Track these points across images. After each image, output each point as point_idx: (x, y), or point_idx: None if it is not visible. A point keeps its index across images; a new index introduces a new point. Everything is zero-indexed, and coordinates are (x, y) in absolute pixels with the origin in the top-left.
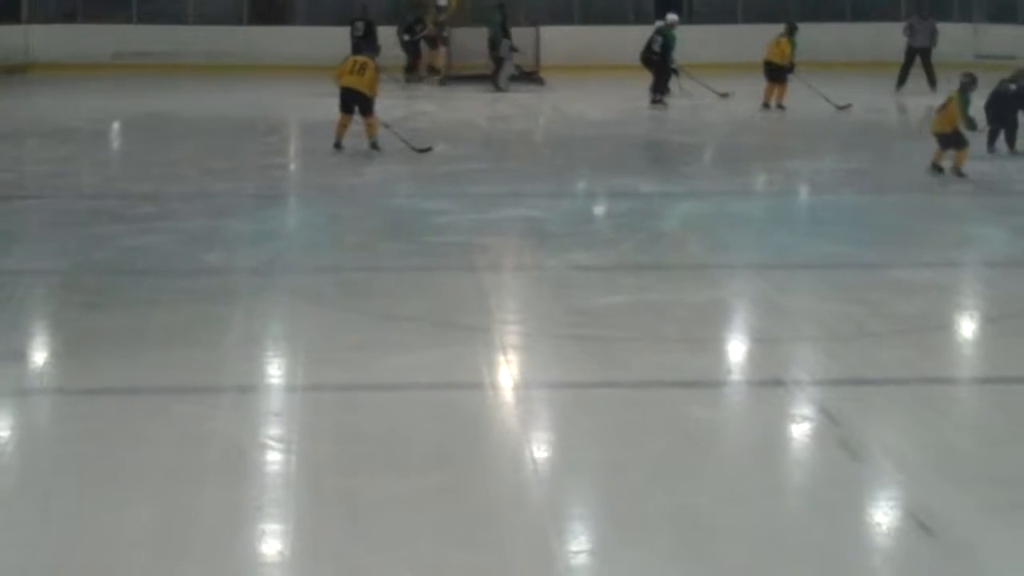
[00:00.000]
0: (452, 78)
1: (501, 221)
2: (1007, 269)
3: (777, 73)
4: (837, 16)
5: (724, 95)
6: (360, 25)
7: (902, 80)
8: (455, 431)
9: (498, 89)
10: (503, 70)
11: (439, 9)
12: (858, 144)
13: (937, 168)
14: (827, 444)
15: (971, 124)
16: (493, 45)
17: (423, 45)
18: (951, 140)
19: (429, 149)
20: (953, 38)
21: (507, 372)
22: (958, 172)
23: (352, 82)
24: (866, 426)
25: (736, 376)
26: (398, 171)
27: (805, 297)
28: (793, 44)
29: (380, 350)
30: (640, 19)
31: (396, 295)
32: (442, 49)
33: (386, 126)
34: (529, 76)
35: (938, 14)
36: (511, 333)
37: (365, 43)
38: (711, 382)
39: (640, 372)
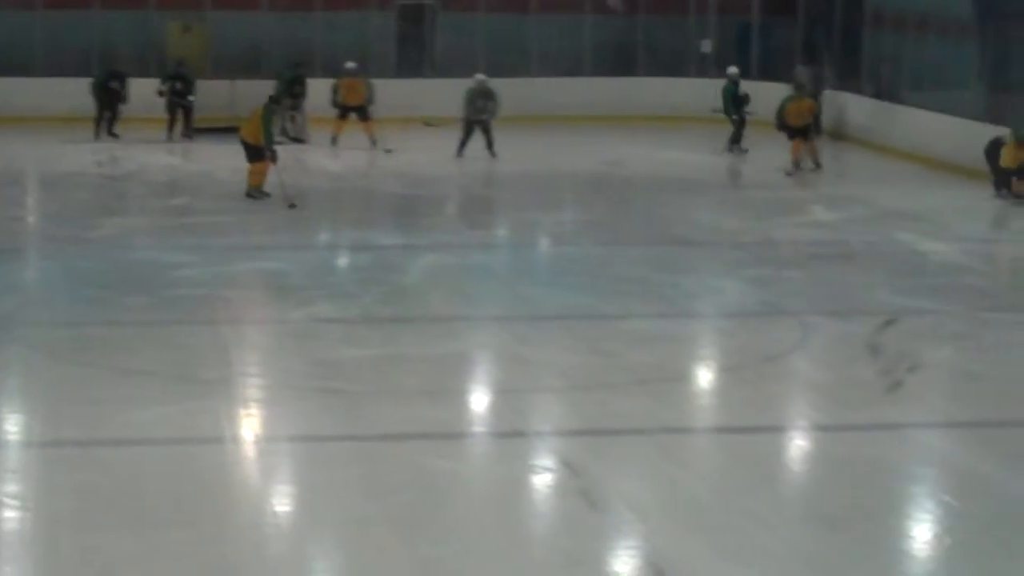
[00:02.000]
0: (200, 130)
1: (243, 274)
2: (742, 320)
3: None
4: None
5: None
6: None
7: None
8: (195, 487)
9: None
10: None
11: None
12: (596, 196)
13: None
14: (568, 495)
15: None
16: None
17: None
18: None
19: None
20: (692, 92)
21: (248, 426)
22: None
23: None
24: (606, 476)
25: (479, 428)
26: (137, 224)
27: (546, 348)
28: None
29: (118, 405)
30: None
31: (135, 349)
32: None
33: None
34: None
35: (683, 71)
36: (252, 387)
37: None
38: (454, 434)
39: (383, 425)
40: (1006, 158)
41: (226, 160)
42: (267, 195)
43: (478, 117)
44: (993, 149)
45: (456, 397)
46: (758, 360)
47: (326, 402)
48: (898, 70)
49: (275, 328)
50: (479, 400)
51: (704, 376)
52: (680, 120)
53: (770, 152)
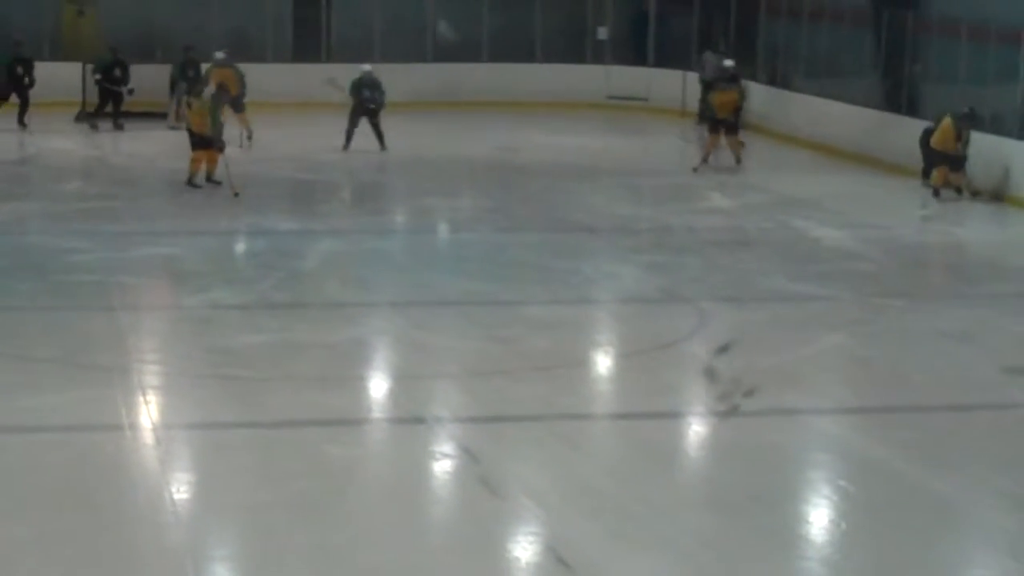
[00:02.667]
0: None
1: (139, 260)
2: (639, 306)
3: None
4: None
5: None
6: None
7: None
8: (92, 474)
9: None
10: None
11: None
12: (493, 182)
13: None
14: (467, 481)
15: None
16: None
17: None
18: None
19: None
20: (589, 79)
21: (146, 413)
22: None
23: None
24: (504, 462)
25: (377, 414)
26: (30, 208)
27: (444, 334)
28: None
29: (13, 392)
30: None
31: (29, 335)
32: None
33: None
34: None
35: (580, 57)
36: (150, 373)
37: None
38: (351, 421)
39: (280, 412)
40: (938, 137)
41: (122, 145)
42: (218, 183)
43: (365, 108)
44: (926, 138)
45: (353, 383)
46: (655, 346)
47: (223, 389)
48: (794, 58)
49: (171, 314)
50: (377, 386)
51: (602, 362)
52: (577, 106)
53: (669, 138)
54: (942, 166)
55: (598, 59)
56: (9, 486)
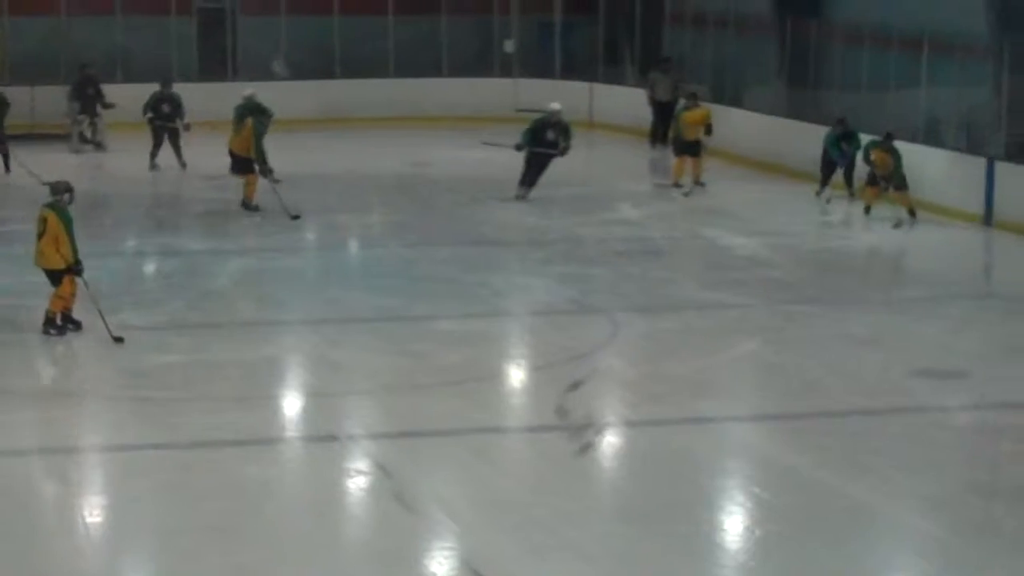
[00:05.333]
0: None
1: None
2: (551, 318)
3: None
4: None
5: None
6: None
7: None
8: (3, 498)
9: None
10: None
11: None
12: (402, 197)
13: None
14: (382, 497)
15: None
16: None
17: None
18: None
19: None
20: (496, 92)
21: (56, 436)
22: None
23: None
24: (419, 478)
25: (290, 432)
26: None
27: (356, 351)
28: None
29: None
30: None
31: None
32: None
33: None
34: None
35: (487, 71)
36: (61, 396)
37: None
38: (265, 440)
39: (193, 432)
40: (882, 164)
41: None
42: (260, 209)
43: (546, 155)
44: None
45: (267, 402)
46: (568, 358)
47: (136, 410)
48: (699, 67)
49: (83, 336)
50: (290, 405)
51: (514, 375)
52: (484, 120)
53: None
54: (874, 186)
55: (505, 72)
56: None
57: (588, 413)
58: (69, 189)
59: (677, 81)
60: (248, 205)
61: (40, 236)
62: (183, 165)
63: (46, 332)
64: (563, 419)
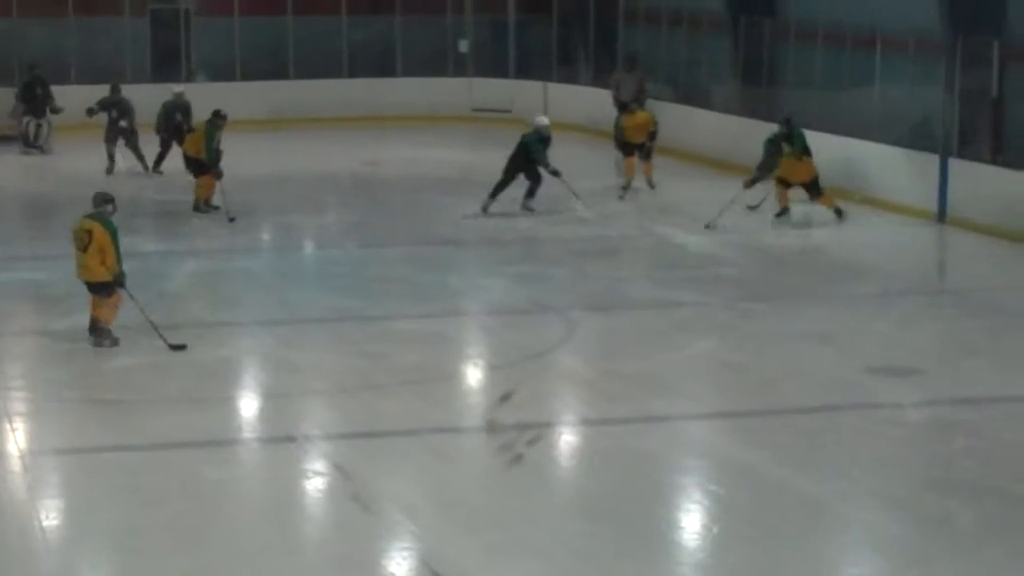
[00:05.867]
0: None
1: (2, 284)
2: (508, 317)
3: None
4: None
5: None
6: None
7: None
8: None
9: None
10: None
11: None
12: (357, 197)
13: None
14: (340, 498)
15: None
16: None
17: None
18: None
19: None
20: (452, 92)
21: (13, 439)
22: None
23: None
24: (376, 478)
25: (247, 434)
26: None
27: (312, 352)
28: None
29: None
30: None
31: None
32: None
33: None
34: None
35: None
36: (17, 400)
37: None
38: (222, 441)
39: (151, 434)
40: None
41: None
42: (215, 208)
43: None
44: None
45: (223, 404)
46: (524, 357)
47: (92, 413)
48: (652, 65)
49: (38, 340)
50: (247, 406)
51: (472, 375)
52: (439, 119)
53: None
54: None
55: (460, 72)
56: None
57: (539, 412)
58: (111, 200)
59: (642, 80)
60: (200, 207)
61: (84, 248)
62: (146, 168)
63: (99, 344)
64: (514, 418)
